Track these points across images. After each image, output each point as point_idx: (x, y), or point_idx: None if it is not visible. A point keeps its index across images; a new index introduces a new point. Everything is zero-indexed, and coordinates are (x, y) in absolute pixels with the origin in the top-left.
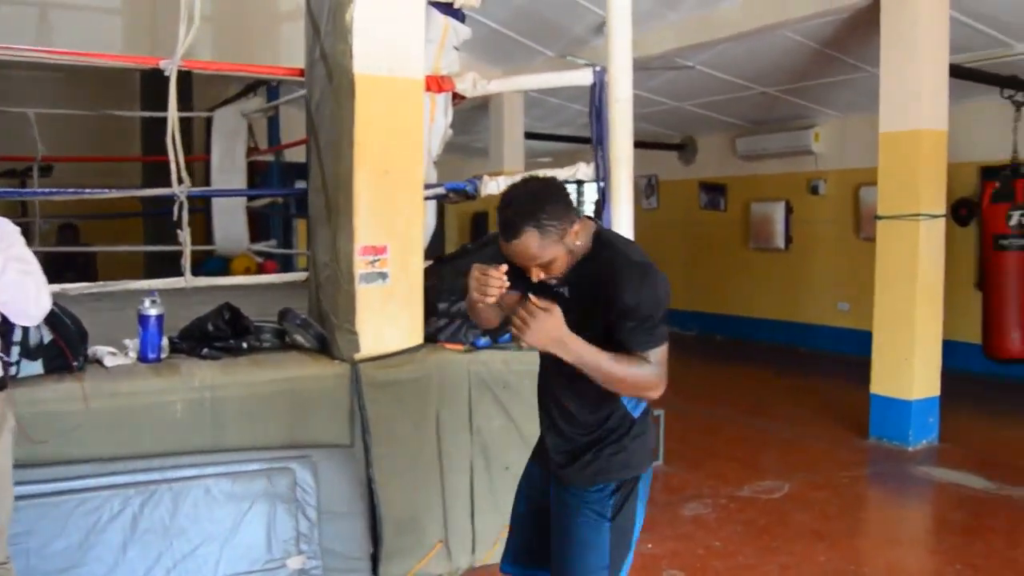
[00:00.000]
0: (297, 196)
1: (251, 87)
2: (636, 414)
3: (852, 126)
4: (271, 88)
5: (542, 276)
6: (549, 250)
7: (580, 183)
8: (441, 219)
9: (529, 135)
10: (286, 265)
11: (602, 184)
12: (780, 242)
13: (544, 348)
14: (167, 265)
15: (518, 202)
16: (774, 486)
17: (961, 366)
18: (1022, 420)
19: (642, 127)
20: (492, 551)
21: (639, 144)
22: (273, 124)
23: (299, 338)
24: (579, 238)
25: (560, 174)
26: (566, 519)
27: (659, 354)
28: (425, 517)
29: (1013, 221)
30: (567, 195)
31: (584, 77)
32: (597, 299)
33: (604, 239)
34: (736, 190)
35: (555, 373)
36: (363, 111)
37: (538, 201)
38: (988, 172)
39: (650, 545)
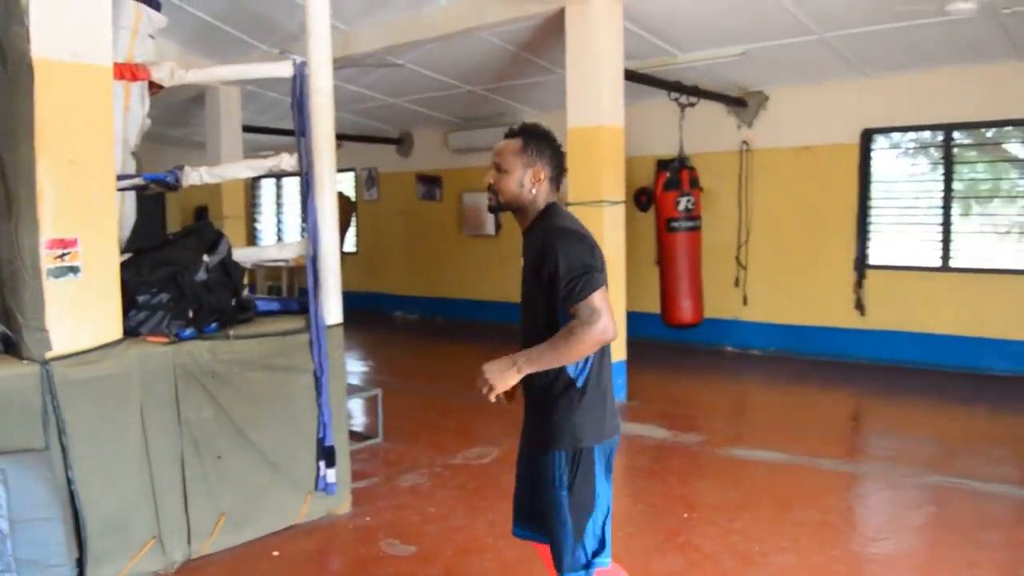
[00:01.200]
0: None
1: None
2: (579, 383)
3: (547, 122)
4: None
5: (490, 180)
6: (513, 162)
7: (279, 176)
8: (163, 211)
9: (249, 128)
10: None
11: (305, 175)
12: (491, 229)
13: (507, 382)
14: None
15: (531, 126)
16: (484, 452)
17: (644, 333)
18: (694, 377)
19: (361, 122)
20: (209, 541)
21: (359, 138)
22: None
23: None
24: (537, 189)
25: (263, 164)
26: (532, 482)
27: (592, 301)
28: (134, 515)
29: (681, 206)
30: (560, 157)
31: (284, 69)
32: (533, 265)
33: (549, 211)
34: (450, 181)
35: (520, 339)
36: (44, 98)
37: (541, 133)
38: (661, 164)
39: (368, 518)
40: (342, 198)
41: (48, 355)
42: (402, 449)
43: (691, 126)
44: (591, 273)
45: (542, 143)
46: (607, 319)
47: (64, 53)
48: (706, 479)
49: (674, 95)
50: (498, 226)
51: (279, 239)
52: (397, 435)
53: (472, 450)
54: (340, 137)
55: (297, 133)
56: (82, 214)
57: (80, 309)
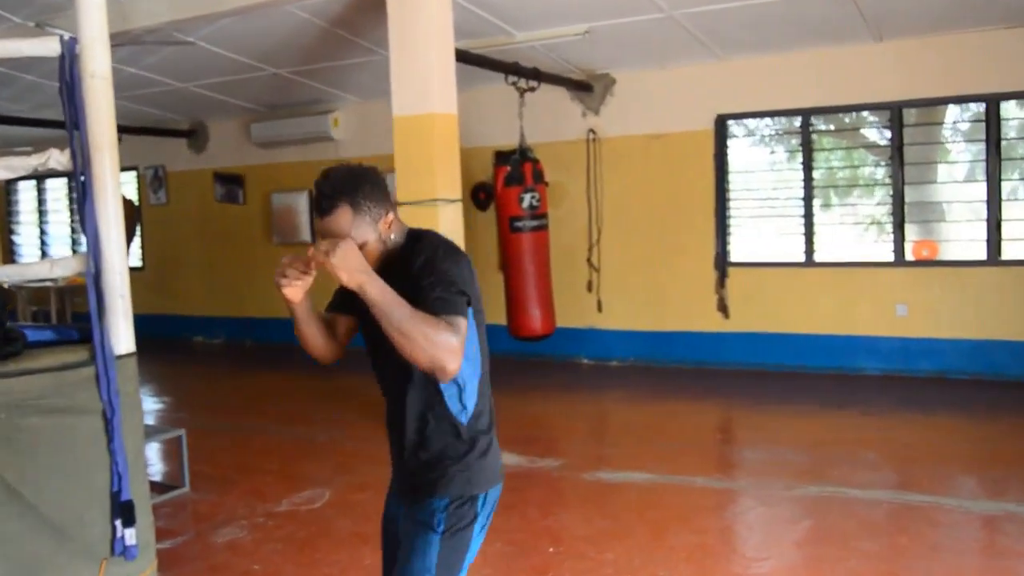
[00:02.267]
0: None
1: None
2: (464, 422)
3: (372, 111)
4: None
5: None
6: (361, 232)
7: (42, 178)
8: None
9: (1, 120)
10: None
11: (82, 176)
12: (306, 235)
13: (351, 280)
14: None
15: (336, 177)
16: (314, 495)
17: (490, 347)
18: (549, 394)
19: (143, 111)
20: None
21: (141, 131)
22: None
23: None
24: (393, 231)
25: (27, 163)
26: (401, 530)
27: (456, 324)
28: None
29: (525, 203)
30: (385, 185)
31: (50, 47)
32: (404, 288)
33: (417, 235)
34: (255, 180)
35: (388, 386)
36: None
37: (357, 180)
38: (500, 156)
39: None
40: (124, 203)
41: None
42: (214, 499)
43: (532, 114)
44: (463, 296)
45: (364, 185)
46: (460, 354)
47: None
48: (571, 508)
49: (512, 79)
50: (314, 232)
51: (44, 254)
52: (207, 483)
53: (300, 494)
54: (119, 130)
55: (68, 125)
56: None
57: None
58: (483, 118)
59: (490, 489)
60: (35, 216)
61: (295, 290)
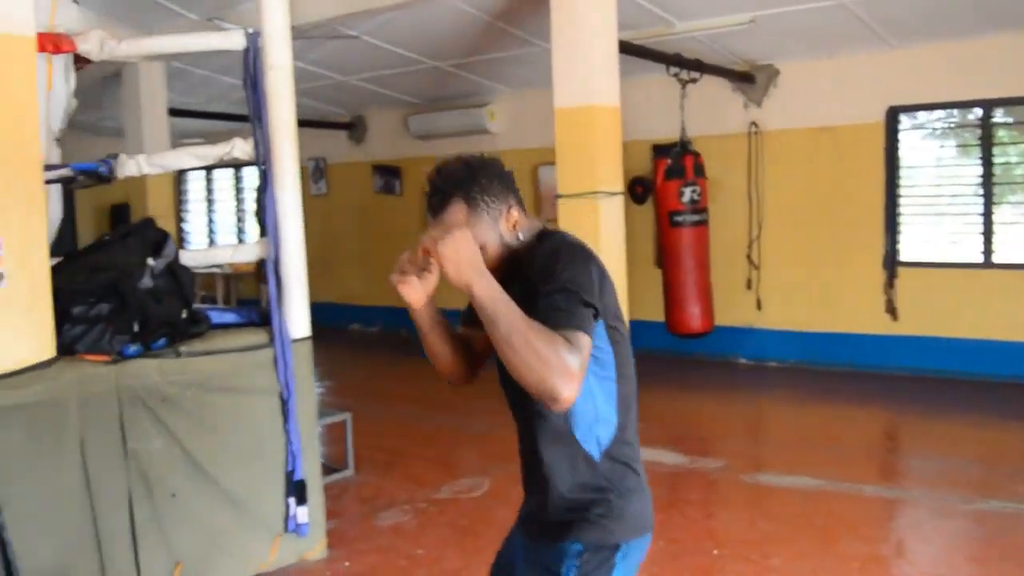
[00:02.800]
0: None
1: None
2: (597, 458)
3: (528, 103)
4: None
5: None
6: (478, 232)
7: (237, 166)
8: (71, 212)
9: (174, 112)
10: None
11: (263, 165)
12: None
13: (458, 275)
14: None
15: (450, 170)
16: (473, 484)
17: (646, 344)
18: (706, 393)
19: (307, 104)
20: None
21: (304, 123)
22: None
23: None
24: (519, 230)
25: (213, 152)
26: None
27: (577, 341)
28: (77, 565)
29: (685, 197)
30: (508, 177)
31: (235, 41)
32: (525, 298)
33: (545, 234)
34: (412, 172)
35: (515, 410)
36: None
37: (473, 172)
38: (659, 150)
39: (347, 563)
40: None
41: None
42: (377, 482)
43: (692, 106)
44: (588, 308)
45: (480, 178)
46: (581, 377)
47: None
48: (732, 510)
49: (674, 70)
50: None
51: (211, 241)
52: (369, 466)
53: (459, 482)
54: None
55: (252, 116)
56: (4, 212)
57: (5, 324)
58: (640, 111)
59: (634, 539)
60: (204, 205)
61: (413, 290)
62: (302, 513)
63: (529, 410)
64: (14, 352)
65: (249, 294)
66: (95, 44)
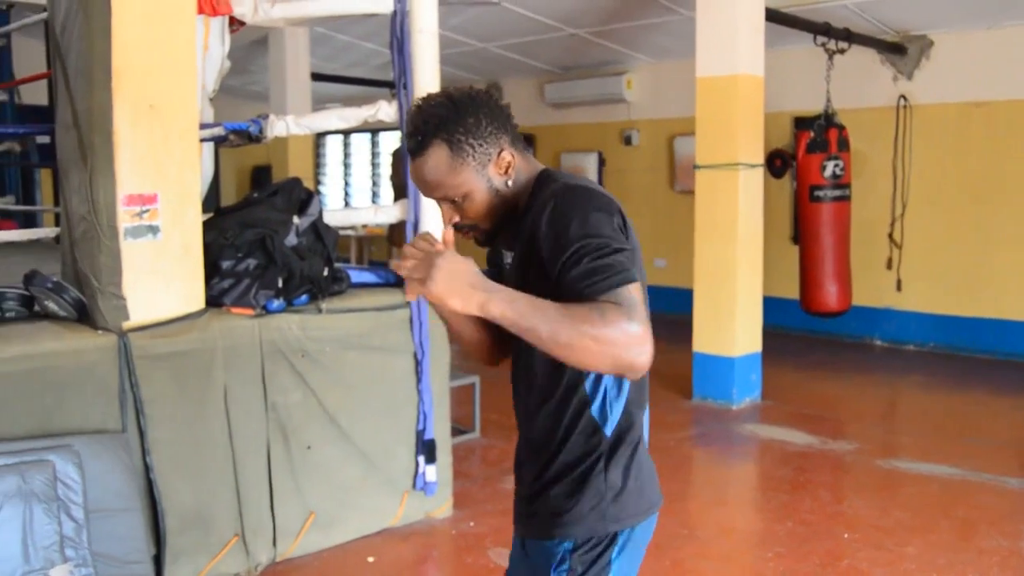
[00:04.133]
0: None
1: None
2: (607, 429)
3: (666, 73)
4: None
5: (456, 220)
6: (462, 178)
7: (375, 131)
8: (216, 172)
9: (316, 76)
10: (29, 225)
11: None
12: None
13: (466, 304)
14: None
15: (431, 107)
16: None
17: (779, 322)
18: (840, 374)
19: (445, 71)
20: (296, 542)
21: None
22: (4, 57)
23: (52, 305)
24: (512, 175)
25: (358, 114)
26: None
27: (628, 299)
28: (216, 509)
29: (828, 171)
30: (502, 113)
31: (384, 4)
32: (528, 258)
33: (545, 177)
34: (546, 140)
35: (517, 377)
36: (122, 33)
37: (458, 110)
38: (801, 122)
39: (471, 523)
40: None
41: (126, 325)
42: (503, 446)
43: (837, 77)
44: (622, 253)
45: (466, 116)
46: (649, 335)
47: None
48: (865, 495)
49: (821, 40)
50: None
51: (346, 203)
52: (496, 430)
53: None
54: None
55: (396, 77)
56: (162, 167)
57: (159, 275)
58: (781, 82)
59: (637, 524)
60: (340, 168)
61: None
62: (431, 472)
63: (535, 380)
64: (166, 302)
65: (379, 256)
66: (250, 7)
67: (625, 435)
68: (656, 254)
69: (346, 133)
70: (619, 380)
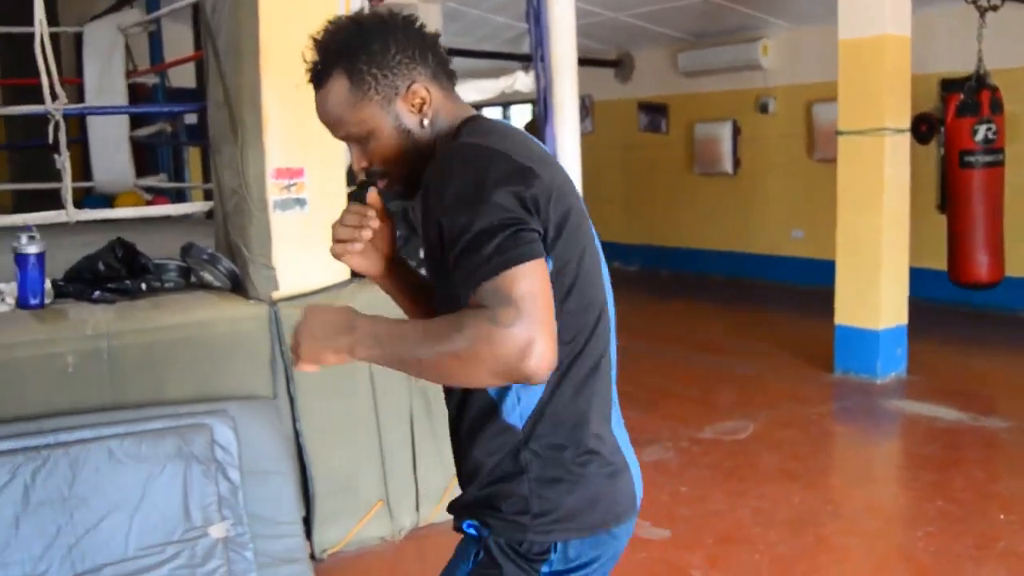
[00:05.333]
0: (191, 121)
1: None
2: (518, 420)
3: (804, 38)
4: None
5: (365, 165)
6: (365, 114)
7: (506, 104)
8: None
9: (448, 51)
10: (179, 201)
11: (544, 98)
12: (728, 166)
13: (338, 359)
14: (38, 205)
15: (333, 32)
16: (738, 426)
17: (925, 294)
18: (991, 348)
19: (577, 42)
20: (438, 507)
21: None
22: (155, 41)
23: (207, 276)
24: (429, 115)
25: (496, 85)
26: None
27: (508, 285)
28: (362, 474)
29: (979, 136)
30: (420, 39)
31: None
32: (425, 236)
33: (460, 129)
34: (678, 110)
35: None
36: (268, 12)
37: (364, 35)
38: (949, 84)
39: None
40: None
41: (275, 295)
42: (638, 418)
43: (989, 36)
44: (514, 228)
45: (372, 43)
46: (536, 326)
47: None
48: (1022, 474)
49: None
50: (736, 163)
51: None
52: (632, 403)
53: (723, 424)
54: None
55: (532, 47)
56: (308, 142)
57: (307, 246)
58: (926, 42)
59: (572, 539)
60: None
61: (363, 260)
62: None
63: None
64: (313, 273)
65: None
66: None
67: (551, 431)
68: (793, 225)
69: (478, 107)
70: None
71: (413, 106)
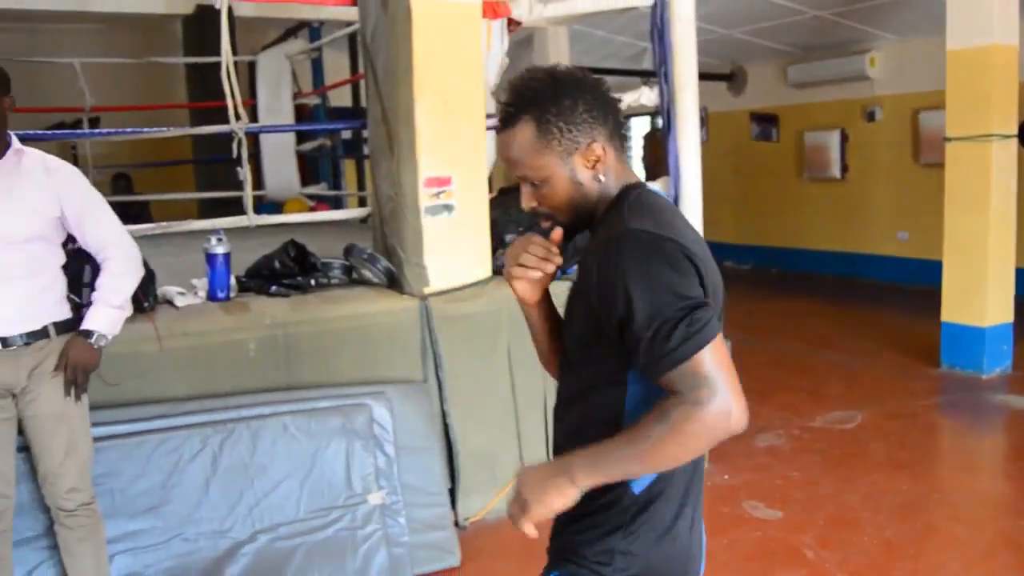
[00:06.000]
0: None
1: (292, 30)
2: (635, 486)
3: (910, 49)
4: (312, 29)
5: (534, 206)
6: (544, 161)
7: (626, 117)
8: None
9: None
10: (337, 207)
11: (667, 111)
12: (836, 171)
13: (555, 506)
14: (220, 212)
15: (529, 82)
16: (846, 416)
17: None
18: None
19: None
20: None
21: None
22: (316, 66)
23: (367, 273)
24: (602, 172)
25: (623, 99)
26: None
27: (701, 366)
28: (500, 453)
29: None
30: (606, 103)
31: None
32: (584, 296)
33: (624, 198)
34: (788, 120)
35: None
36: (420, 38)
37: (556, 89)
38: None
39: (726, 476)
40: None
41: (426, 290)
42: (753, 407)
43: None
44: (692, 313)
45: (564, 98)
46: (728, 394)
47: None
48: None
49: None
50: (844, 168)
51: None
52: (746, 391)
53: (832, 414)
54: None
55: (656, 64)
56: (454, 153)
57: (453, 247)
58: None
59: None
60: None
61: (528, 287)
62: None
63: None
64: (460, 271)
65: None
66: (525, 8)
67: (659, 492)
68: (898, 227)
69: (632, 116)
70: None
71: (588, 162)
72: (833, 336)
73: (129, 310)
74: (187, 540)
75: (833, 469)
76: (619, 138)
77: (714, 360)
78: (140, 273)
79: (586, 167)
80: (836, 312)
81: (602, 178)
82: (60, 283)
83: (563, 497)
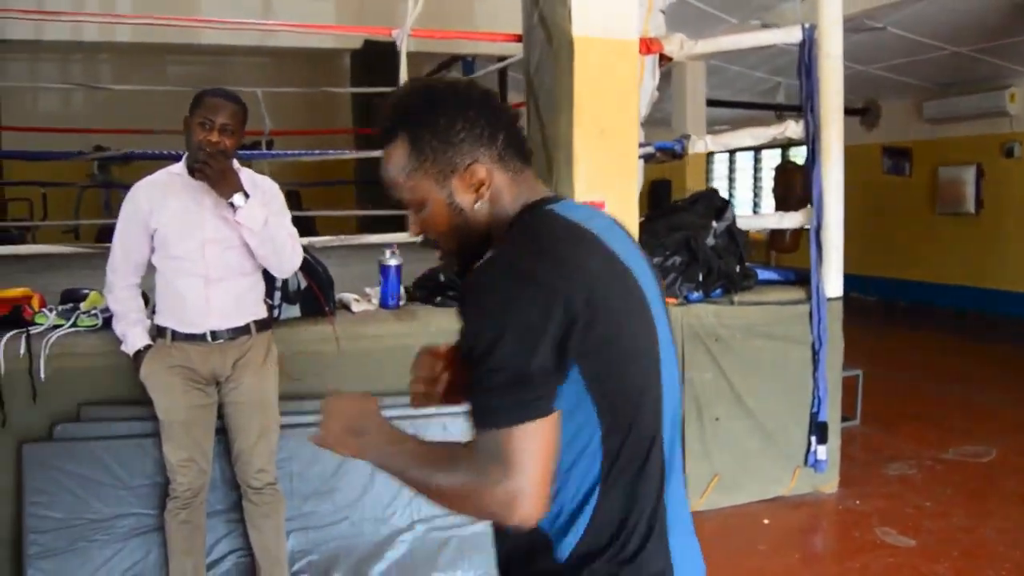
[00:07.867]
0: None
1: (445, 64)
2: (560, 552)
3: None
4: (466, 63)
5: (415, 231)
6: (416, 183)
7: (758, 149)
8: None
9: (710, 103)
10: None
11: (812, 143)
12: (970, 206)
13: (340, 451)
14: (378, 228)
15: (404, 96)
16: (980, 450)
17: None
18: None
19: None
20: (702, 499)
21: None
22: None
23: None
24: (485, 197)
25: (767, 132)
26: None
27: (506, 440)
28: None
29: None
30: (492, 115)
31: (793, 35)
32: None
33: (518, 221)
34: (922, 154)
35: None
36: (581, 72)
37: (433, 104)
38: None
39: (858, 502)
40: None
41: None
42: (883, 436)
43: None
44: (518, 380)
45: (442, 114)
46: (525, 484)
47: (597, 30)
48: None
49: None
50: (979, 203)
51: None
52: (876, 421)
53: (965, 447)
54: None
55: (803, 100)
56: (609, 179)
57: None
58: None
59: None
60: (725, 183)
61: (431, 401)
62: (821, 451)
63: None
64: None
65: (757, 259)
66: (676, 45)
67: (596, 547)
68: None
69: (731, 152)
70: (576, 504)
71: (471, 186)
72: (964, 369)
73: (269, 237)
74: (353, 524)
75: (966, 502)
76: (515, 156)
77: (527, 444)
78: (296, 256)
79: (467, 191)
80: (964, 345)
81: (486, 203)
82: (261, 285)
83: (348, 453)
